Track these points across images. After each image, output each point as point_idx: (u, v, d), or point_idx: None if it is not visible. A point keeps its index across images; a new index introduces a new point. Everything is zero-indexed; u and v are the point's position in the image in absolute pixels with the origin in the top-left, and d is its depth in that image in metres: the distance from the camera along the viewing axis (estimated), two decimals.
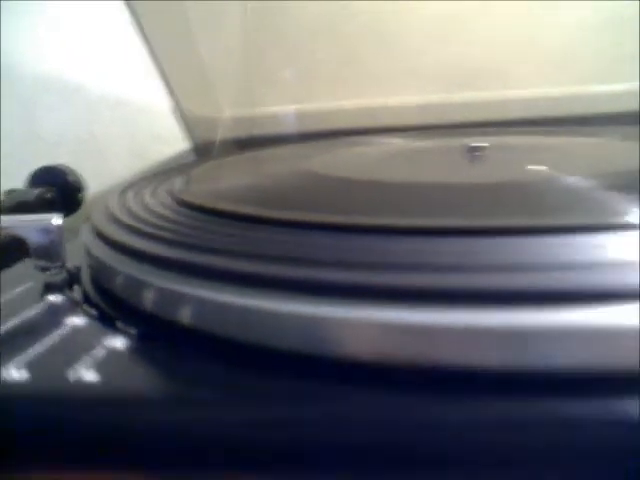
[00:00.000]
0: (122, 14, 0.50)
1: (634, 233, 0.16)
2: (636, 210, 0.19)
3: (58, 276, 0.24)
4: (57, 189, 0.40)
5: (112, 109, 0.59)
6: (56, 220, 0.24)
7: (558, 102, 0.59)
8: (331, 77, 0.58)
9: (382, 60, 0.58)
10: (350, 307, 0.14)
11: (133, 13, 0.49)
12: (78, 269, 0.25)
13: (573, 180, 0.25)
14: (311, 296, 0.15)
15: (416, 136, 0.45)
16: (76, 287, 0.23)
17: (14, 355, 0.16)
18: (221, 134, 0.58)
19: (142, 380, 0.16)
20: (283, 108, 0.58)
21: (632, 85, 0.58)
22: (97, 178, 0.45)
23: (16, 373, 0.15)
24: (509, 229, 0.17)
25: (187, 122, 0.55)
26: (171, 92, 0.52)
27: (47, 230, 0.23)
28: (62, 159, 0.42)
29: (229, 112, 0.58)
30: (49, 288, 0.23)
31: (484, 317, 0.13)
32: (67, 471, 0.14)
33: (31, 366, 0.16)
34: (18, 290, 0.23)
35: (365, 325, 0.14)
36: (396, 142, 0.43)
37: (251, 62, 0.57)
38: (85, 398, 0.15)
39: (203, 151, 0.56)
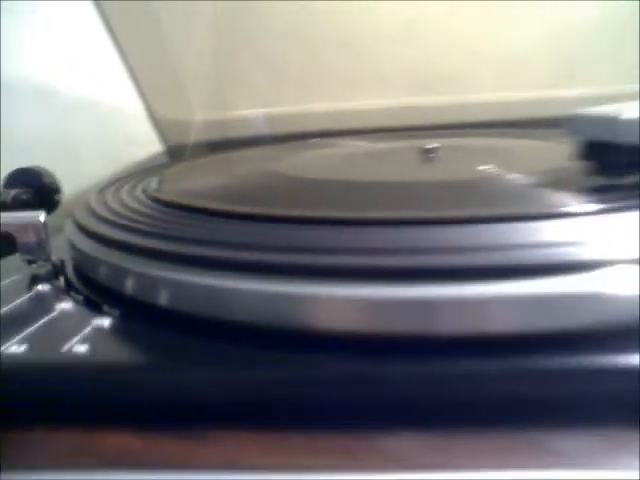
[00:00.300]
0: (96, 15, 0.51)
1: (562, 220, 0.20)
2: (556, 200, 0.22)
3: (43, 269, 0.26)
4: (33, 190, 0.41)
5: (86, 112, 0.61)
6: (42, 217, 0.26)
7: (512, 106, 0.62)
8: (299, 80, 0.60)
9: (348, 64, 0.60)
10: (298, 284, 0.17)
11: (103, 16, 0.51)
12: (62, 262, 0.27)
13: (512, 177, 0.28)
14: (267, 276, 0.18)
15: (378, 138, 0.48)
16: (61, 278, 0.26)
17: (12, 334, 0.19)
18: (193, 137, 0.60)
19: (123, 351, 0.18)
20: (253, 111, 0.60)
21: (583, 90, 0.62)
22: (71, 180, 0.46)
23: (15, 348, 0.18)
24: (442, 219, 0.20)
25: (159, 125, 0.56)
26: (143, 95, 0.54)
27: (34, 226, 0.25)
28: (36, 161, 0.44)
29: (200, 115, 0.60)
30: (35, 279, 0.25)
31: (434, 290, 0.16)
32: (60, 428, 0.16)
33: (27, 342, 0.18)
34: (6, 282, 0.25)
35: (310, 299, 0.17)
36: (359, 144, 0.46)
37: (222, 66, 0.59)
38: (74, 367, 0.17)
39: (176, 153, 0.58)
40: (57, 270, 0.26)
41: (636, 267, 0.17)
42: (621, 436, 0.15)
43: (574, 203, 0.22)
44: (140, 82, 0.53)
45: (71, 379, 0.17)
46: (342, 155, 0.42)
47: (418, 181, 0.29)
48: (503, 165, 0.31)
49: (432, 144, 0.36)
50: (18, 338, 0.18)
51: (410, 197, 0.26)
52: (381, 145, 0.45)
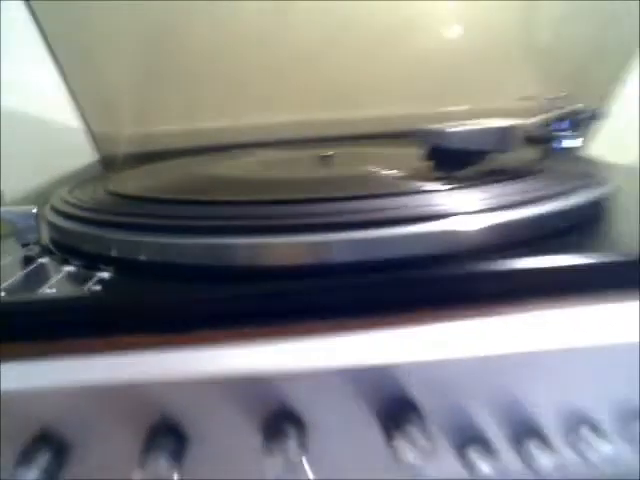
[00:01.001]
0: (36, 32, 0.57)
1: (418, 195, 0.31)
2: (413, 184, 0.34)
3: (33, 251, 0.34)
4: None
5: (22, 125, 0.67)
6: (34, 209, 0.34)
7: (398, 120, 0.74)
8: (218, 98, 0.69)
9: (261, 83, 0.69)
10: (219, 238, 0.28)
11: (43, 34, 0.57)
12: (47, 244, 0.35)
13: (386, 172, 0.40)
14: (199, 235, 0.28)
15: (286, 148, 0.59)
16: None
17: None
18: (123, 149, 0.68)
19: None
20: (177, 126, 0.68)
21: (462, 107, 0.75)
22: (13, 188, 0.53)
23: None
24: (329, 198, 0.31)
25: (94, 137, 0.64)
26: (80, 110, 0.61)
27: (30, 215, 0.34)
28: None
29: (129, 129, 0.68)
30: (28, 259, 0.34)
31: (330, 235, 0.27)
32: (39, 343, 0.25)
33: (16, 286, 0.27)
34: (3, 262, 0.33)
35: (225, 246, 0.28)
36: (269, 153, 0.57)
37: (149, 84, 0.67)
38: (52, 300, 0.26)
39: (109, 164, 0.65)
40: (44, 250, 0.35)
41: (464, 217, 0.28)
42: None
43: (425, 185, 0.34)
44: (77, 98, 0.60)
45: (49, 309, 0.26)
46: (257, 161, 0.53)
47: (316, 177, 0.41)
48: (380, 165, 0.43)
49: (328, 152, 0.47)
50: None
51: (309, 187, 0.37)
52: (288, 154, 0.56)
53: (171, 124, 0.69)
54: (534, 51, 0.76)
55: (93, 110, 0.63)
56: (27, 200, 0.67)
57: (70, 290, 0.27)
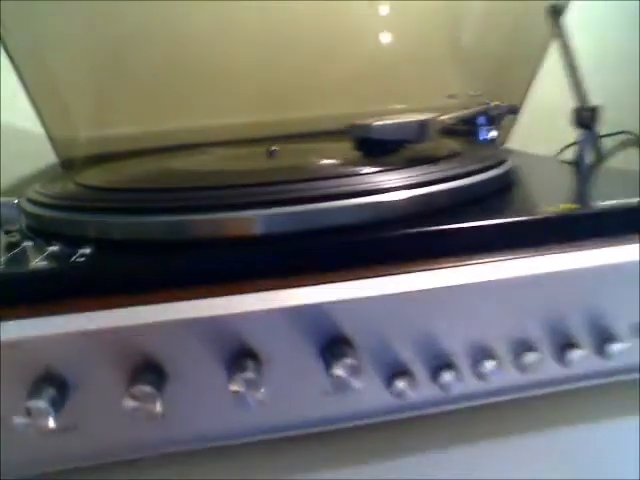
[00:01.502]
0: None
1: (351, 177, 0.37)
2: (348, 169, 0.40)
3: (15, 237, 0.39)
4: None
5: None
6: (16, 200, 0.39)
7: (344, 119, 0.80)
8: (171, 101, 0.73)
9: (213, 87, 0.74)
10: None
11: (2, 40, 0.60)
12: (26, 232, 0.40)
13: (324, 162, 0.46)
14: (159, 214, 0.34)
15: (237, 146, 0.64)
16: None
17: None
18: (80, 151, 0.72)
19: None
20: (132, 129, 0.73)
21: (400, 106, 0.82)
22: None
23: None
24: (275, 181, 0.37)
25: (52, 140, 0.67)
26: (39, 114, 0.64)
27: (12, 205, 0.38)
28: None
29: (87, 133, 0.72)
30: (12, 244, 0.38)
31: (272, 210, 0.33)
32: (35, 305, 0.30)
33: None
34: None
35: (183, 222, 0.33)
36: (221, 150, 0.62)
37: (105, 89, 0.71)
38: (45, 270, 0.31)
39: (68, 166, 0.69)
40: (24, 237, 0.39)
41: (391, 193, 0.35)
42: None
43: (355, 168, 0.40)
44: (36, 103, 0.64)
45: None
46: (210, 157, 0.58)
47: (261, 168, 0.47)
48: (319, 156, 0.49)
49: (274, 147, 0.54)
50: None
51: (257, 174, 0.43)
52: (239, 150, 0.62)
53: (126, 127, 0.73)
54: (459, 53, 0.84)
55: (51, 114, 0.66)
56: None
57: (59, 262, 0.32)
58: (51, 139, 0.66)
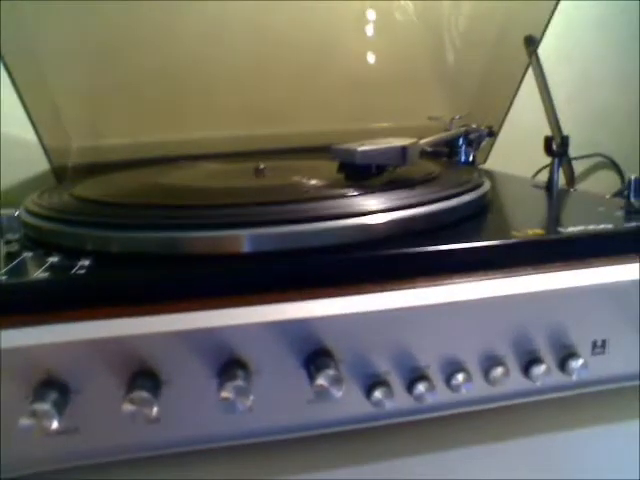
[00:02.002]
0: None
1: (334, 200, 0.40)
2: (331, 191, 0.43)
3: (14, 247, 0.41)
4: None
5: None
6: (17, 212, 0.41)
7: (326, 136, 0.83)
8: (160, 114, 0.76)
9: (200, 101, 0.76)
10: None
11: None
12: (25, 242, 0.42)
13: (310, 182, 0.49)
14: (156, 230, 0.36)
15: (225, 161, 0.67)
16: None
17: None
18: (72, 160, 0.74)
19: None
20: (124, 140, 0.75)
21: (382, 124, 0.85)
22: None
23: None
24: (261, 202, 0.39)
25: (45, 149, 0.69)
26: (33, 123, 0.66)
27: (13, 217, 0.40)
28: None
29: (79, 142, 0.74)
30: (12, 255, 0.40)
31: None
32: (38, 314, 0.32)
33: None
34: None
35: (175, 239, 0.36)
36: (211, 165, 0.65)
37: (98, 100, 0.73)
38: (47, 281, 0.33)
39: (60, 173, 0.71)
40: (23, 247, 0.41)
41: (372, 216, 0.37)
42: None
43: (339, 191, 0.43)
44: (30, 112, 0.65)
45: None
46: (201, 172, 0.61)
47: (250, 186, 0.49)
48: (306, 176, 0.52)
49: (262, 165, 0.56)
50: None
51: (243, 193, 0.45)
52: (227, 166, 0.64)
53: (118, 138, 0.75)
54: (441, 74, 0.88)
55: (45, 122, 0.68)
56: None
57: (60, 274, 0.34)
58: (44, 147, 0.68)
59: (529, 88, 0.74)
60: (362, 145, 0.45)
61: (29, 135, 0.67)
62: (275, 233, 0.36)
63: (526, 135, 0.90)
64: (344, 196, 0.42)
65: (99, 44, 0.71)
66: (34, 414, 0.28)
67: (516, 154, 0.83)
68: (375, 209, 0.39)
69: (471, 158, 0.69)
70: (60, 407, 0.29)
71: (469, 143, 0.69)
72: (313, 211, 0.38)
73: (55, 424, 0.29)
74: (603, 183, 1.04)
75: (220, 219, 0.37)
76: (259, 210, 0.39)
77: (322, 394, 0.31)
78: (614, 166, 1.01)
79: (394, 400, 0.35)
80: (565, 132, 0.65)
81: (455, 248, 0.37)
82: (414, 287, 0.35)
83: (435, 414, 0.37)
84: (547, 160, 0.55)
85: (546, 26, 0.69)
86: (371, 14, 0.82)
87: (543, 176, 0.84)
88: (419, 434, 0.38)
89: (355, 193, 0.42)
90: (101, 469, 0.34)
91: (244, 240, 0.36)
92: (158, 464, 0.35)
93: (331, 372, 0.31)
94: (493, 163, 0.82)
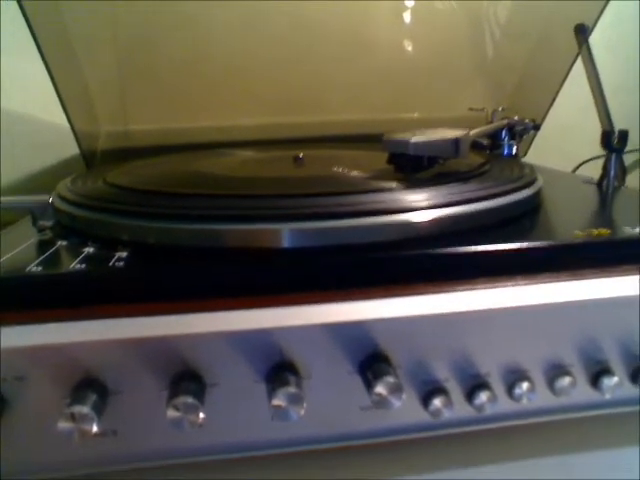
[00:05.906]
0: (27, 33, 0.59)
1: (381, 193, 0.37)
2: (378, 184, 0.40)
3: (47, 235, 0.39)
4: None
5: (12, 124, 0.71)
6: (50, 199, 0.39)
7: (358, 125, 0.81)
8: (193, 100, 0.74)
9: (232, 89, 0.74)
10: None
11: (33, 37, 0.60)
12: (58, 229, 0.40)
13: (352, 173, 0.46)
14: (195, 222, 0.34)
15: (260, 149, 0.64)
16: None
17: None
18: (100, 145, 0.72)
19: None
20: (154, 125, 0.73)
21: (414, 115, 0.83)
22: None
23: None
24: (307, 194, 0.37)
25: (75, 134, 0.67)
26: (64, 107, 0.64)
27: (47, 204, 0.38)
28: None
29: (110, 127, 0.72)
30: (45, 243, 0.38)
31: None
32: (34, 310, 0.29)
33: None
34: (22, 246, 0.37)
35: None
36: (247, 153, 0.62)
37: (129, 85, 0.71)
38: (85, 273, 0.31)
39: (89, 159, 0.69)
40: (56, 235, 0.39)
41: (420, 212, 0.35)
42: None
43: (387, 184, 0.40)
44: (62, 96, 0.63)
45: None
46: (238, 161, 0.58)
47: (290, 176, 0.47)
48: (347, 166, 0.49)
49: (300, 154, 0.54)
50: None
51: (283, 184, 0.43)
52: (264, 154, 0.62)
53: (148, 123, 0.73)
54: (479, 68, 0.84)
55: (76, 107, 0.66)
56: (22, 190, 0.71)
57: (99, 266, 0.32)
58: (75, 132, 0.66)
59: (567, 81, 0.71)
60: (415, 136, 0.43)
61: (60, 119, 0.65)
62: (333, 227, 0.34)
63: (563, 129, 0.87)
64: (392, 190, 0.39)
65: (132, 31, 0.69)
66: (73, 417, 0.26)
67: (552, 148, 0.80)
68: (436, 203, 0.36)
69: (514, 151, 0.66)
70: (99, 409, 0.27)
71: (512, 136, 0.65)
72: (362, 205, 0.35)
73: (95, 428, 0.27)
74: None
75: (258, 211, 0.35)
76: (300, 202, 0.36)
77: (381, 403, 0.29)
78: None
79: (453, 409, 0.33)
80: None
81: (519, 247, 0.34)
82: (474, 289, 0.32)
83: (494, 425, 0.35)
84: (587, 154, 0.52)
85: (599, 15, 0.65)
86: (409, 1, 0.79)
87: (583, 170, 0.82)
88: (476, 446, 0.36)
89: (403, 186, 0.40)
90: (136, 474, 0.32)
91: (299, 235, 0.33)
92: (193, 469, 0.33)
93: (390, 380, 0.29)
94: (528, 156, 0.79)
